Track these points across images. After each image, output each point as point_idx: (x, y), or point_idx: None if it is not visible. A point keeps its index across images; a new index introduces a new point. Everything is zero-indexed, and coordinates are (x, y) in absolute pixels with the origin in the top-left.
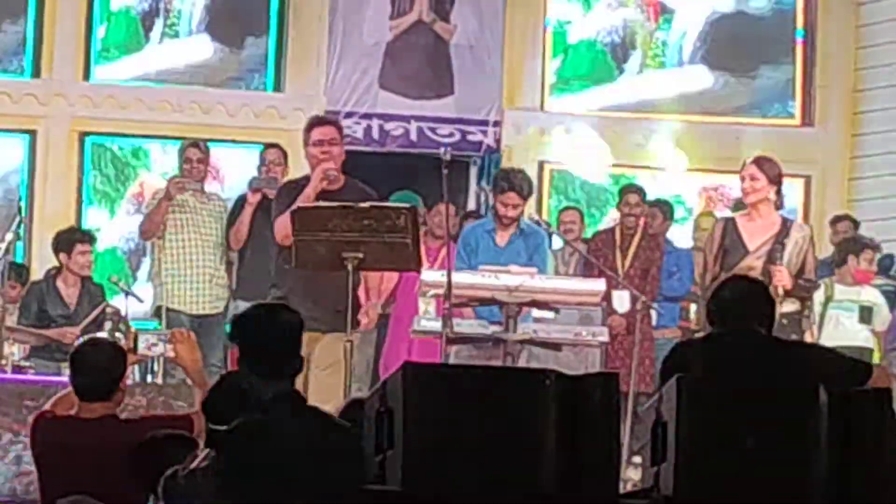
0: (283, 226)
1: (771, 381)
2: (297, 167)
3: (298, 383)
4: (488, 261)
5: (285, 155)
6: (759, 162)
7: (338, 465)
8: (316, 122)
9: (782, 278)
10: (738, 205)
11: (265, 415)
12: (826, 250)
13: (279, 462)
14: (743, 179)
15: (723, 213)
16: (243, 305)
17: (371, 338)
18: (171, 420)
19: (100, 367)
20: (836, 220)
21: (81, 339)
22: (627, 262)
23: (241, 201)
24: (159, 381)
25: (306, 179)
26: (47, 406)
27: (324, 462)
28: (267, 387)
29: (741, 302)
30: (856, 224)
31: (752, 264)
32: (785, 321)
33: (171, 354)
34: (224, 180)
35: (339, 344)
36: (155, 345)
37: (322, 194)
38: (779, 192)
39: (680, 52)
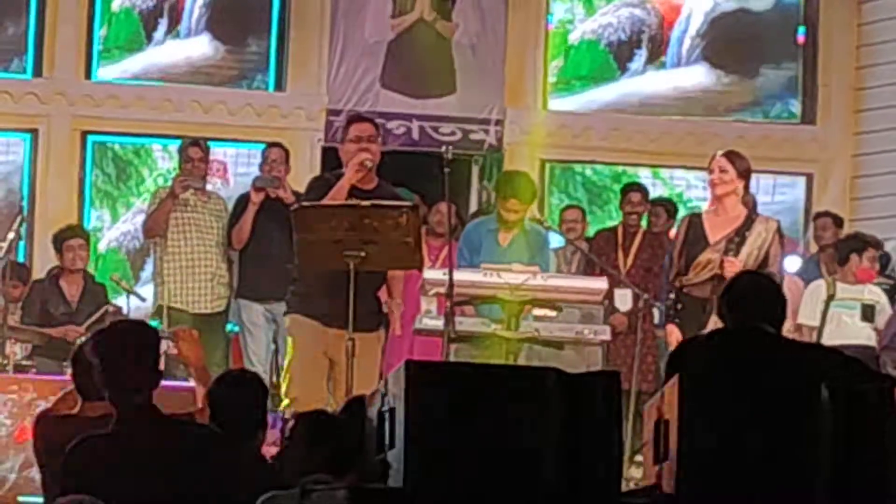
0: None
1: (774, 380)
2: (299, 166)
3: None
4: (491, 260)
5: (287, 154)
6: (730, 155)
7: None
8: (354, 119)
9: (734, 271)
10: None
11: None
12: (813, 247)
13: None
14: (712, 171)
15: None
16: (245, 304)
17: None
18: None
19: None
20: (816, 217)
21: (84, 339)
22: (630, 261)
23: (243, 200)
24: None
25: (337, 177)
26: (50, 405)
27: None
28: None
29: (751, 298)
30: (837, 221)
31: (711, 257)
32: None
33: (175, 351)
34: (231, 180)
35: (374, 343)
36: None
37: (353, 192)
38: (746, 188)
39: (681, 51)
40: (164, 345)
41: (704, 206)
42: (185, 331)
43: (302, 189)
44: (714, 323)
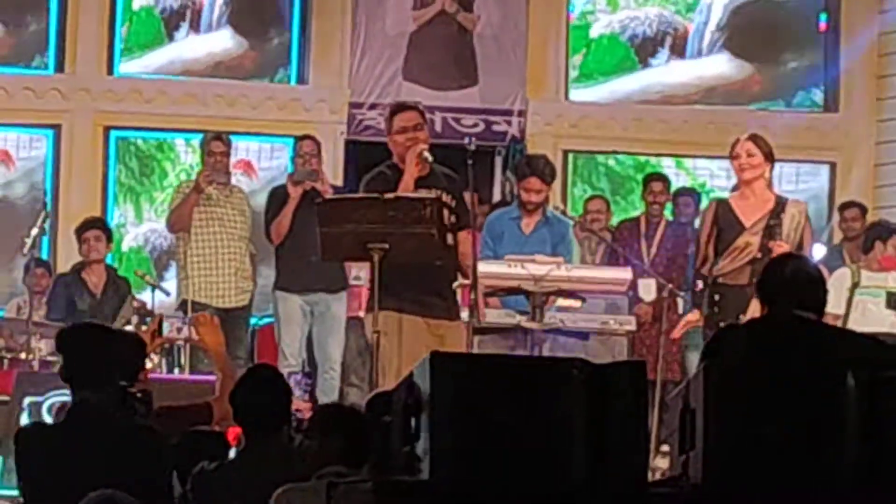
0: None
1: (805, 368)
2: (326, 159)
3: None
4: (513, 249)
5: (319, 146)
6: (755, 139)
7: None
8: (398, 109)
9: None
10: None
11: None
12: (836, 236)
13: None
14: (738, 157)
15: None
16: (282, 296)
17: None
18: (189, 409)
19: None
20: (843, 207)
21: None
22: (653, 251)
23: (280, 194)
24: (186, 374)
25: (391, 168)
26: None
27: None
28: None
29: (790, 284)
30: (864, 211)
31: (750, 240)
32: None
33: (196, 337)
34: (257, 174)
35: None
36: (180, 329)
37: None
38: (771, 171)
39: (702, 41)
40: (186, 331)
41: (726, 195)
42: (205, 316)
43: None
44: (753, 310)
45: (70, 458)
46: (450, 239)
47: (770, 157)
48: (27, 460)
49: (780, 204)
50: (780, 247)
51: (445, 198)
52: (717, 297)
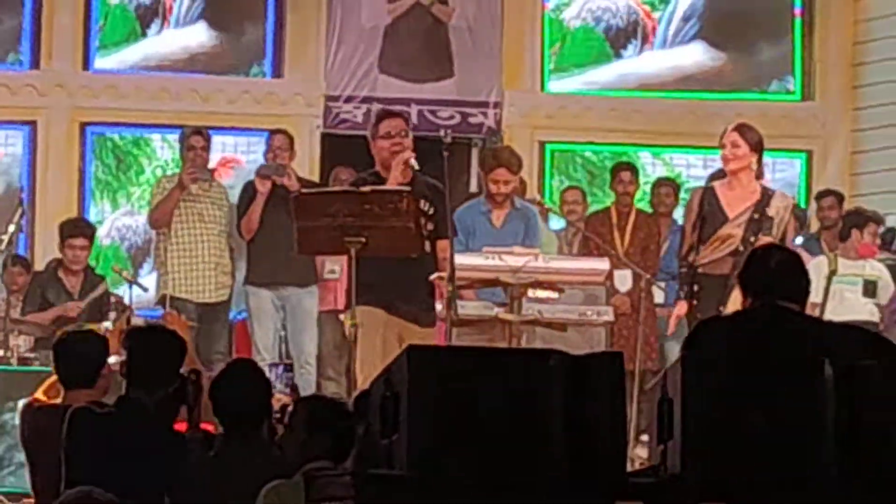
0: None
1: (782, 357)
2: (299, 152)
3: None
4: (487, 242)
5: (292, 140)
6: (741, 129)
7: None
8: (384, 115)
9: None
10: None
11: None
12: (813, 224)
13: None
14: (724, 146)
15: None
16: (253, 291)
17: None
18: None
19: (81, 355)
20: (820, 196)
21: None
22: (626, 241)
23: (249, 190)
24: None
25: (373, 175)
26: (36, 394)
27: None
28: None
29: (770, 274)
30: (840, 199)
31: (732, 232)
32: None
33: None
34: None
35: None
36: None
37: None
38: (759, 161)
39: (678, 30)
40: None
41: (702, 184)
42: (173, 315)
43: (305, 175)
44: (734, 300)
45: (113, 448)
46: (427, 247)
47: (757, 148)
48: (77, 440)
49: (766, 197)
50: (765, 242)
51: (424, 205)
52: (696, 287)
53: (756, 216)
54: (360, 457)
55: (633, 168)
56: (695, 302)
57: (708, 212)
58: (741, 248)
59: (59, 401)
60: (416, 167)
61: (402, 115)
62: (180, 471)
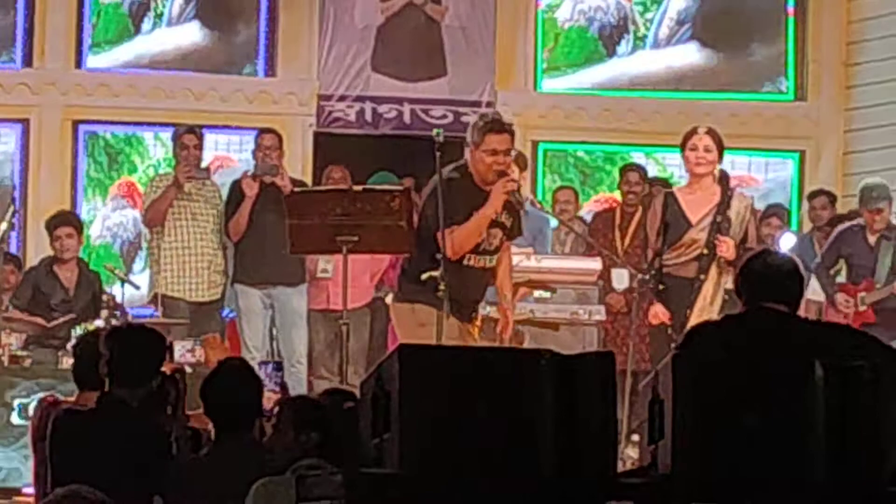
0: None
1: (773, 359)
2: (292, 151)
3: None
4: None
5: (280, 139)
6: (713, 134)
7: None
8: (491, 128)
9: (726, 249)
10: None
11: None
12: (805, 227)
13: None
14: (695, 148)
15: None
16: (242, 290)
17: (365, 320)
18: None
19: (96, 355)
20: (812, 196)
21: (81, 331)
22: (627, 241)
23: (237, 191)
24: None
25: (462, 170)
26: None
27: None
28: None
29: (761, 278)
30: (832, 199)
31: (696, 237)
32: (727, 297)
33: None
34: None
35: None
36: (191, 351)
37: None
38: (720, 163)
39: (671, 30)
40: (198, 354)
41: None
42: (216, 339)
43: (297, 174)
44: (702, 300)
45: (95, 446)
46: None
47: (722, 152)
48: (60, 440)
49: (726, 198)
50: (725, 242)
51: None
52: (661, 288)
53: (718, 219)
54: (350, 455)
55: (641, 169)
56: (659, 303)
57: (671, 217)
58: (705, 252)
59: (72, 399)
60: (519, 199)
61: (509, 129)
62: (171, 470)
